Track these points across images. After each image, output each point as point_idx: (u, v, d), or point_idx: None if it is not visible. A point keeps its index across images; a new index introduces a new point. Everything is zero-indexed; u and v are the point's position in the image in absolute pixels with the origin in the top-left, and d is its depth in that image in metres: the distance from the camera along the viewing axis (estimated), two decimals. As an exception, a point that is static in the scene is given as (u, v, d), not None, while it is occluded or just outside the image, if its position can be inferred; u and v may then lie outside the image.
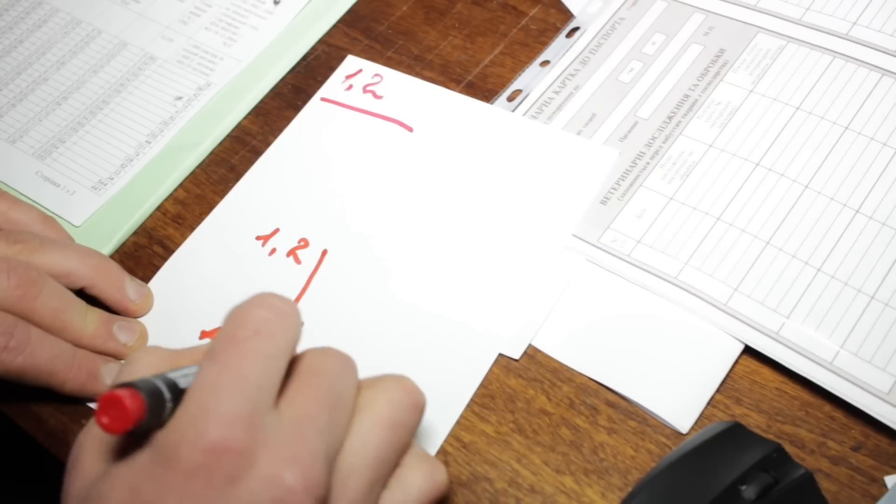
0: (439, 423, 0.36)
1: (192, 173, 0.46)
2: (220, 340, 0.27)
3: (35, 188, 0.46)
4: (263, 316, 0.28)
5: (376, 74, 0.47)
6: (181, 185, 0.46)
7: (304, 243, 0.42)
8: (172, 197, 0.45)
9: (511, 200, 0.41)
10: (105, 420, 0.25)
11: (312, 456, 0.26)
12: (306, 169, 0.44)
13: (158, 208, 0.45)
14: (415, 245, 0.41)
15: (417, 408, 0.31)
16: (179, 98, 0.48)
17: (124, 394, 0.25)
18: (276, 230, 0.43)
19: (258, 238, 0.43)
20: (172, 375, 0.28)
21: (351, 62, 0.48)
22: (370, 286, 0.40)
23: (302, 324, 0.29)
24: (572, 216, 0.40)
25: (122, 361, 0.39)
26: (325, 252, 0.41)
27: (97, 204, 0.45)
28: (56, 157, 0.47)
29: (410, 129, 0.44)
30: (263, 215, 0.43)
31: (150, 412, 0.26)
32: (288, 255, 0.42)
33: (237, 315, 0.28)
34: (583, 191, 0.41)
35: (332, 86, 0.47)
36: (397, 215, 0.42)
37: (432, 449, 0.36)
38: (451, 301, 0.39)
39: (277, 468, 0.26)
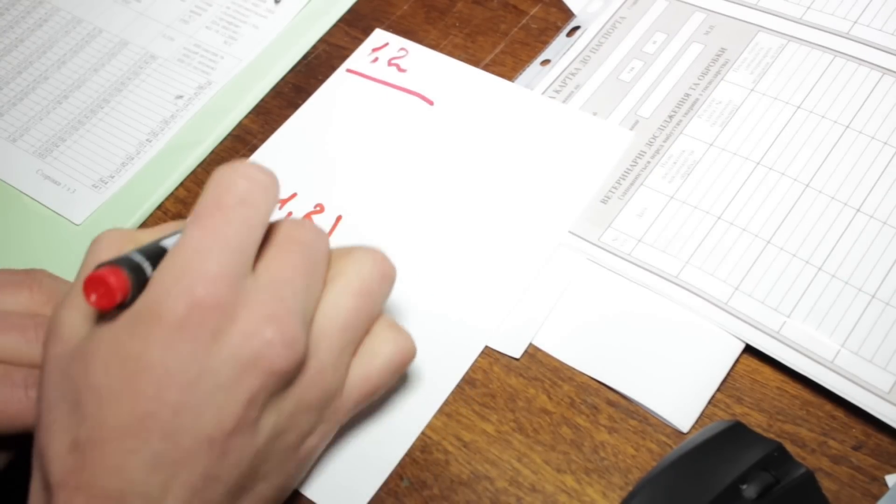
0: (425, 402, 0.36)
1: (193, 172, 0.46)
2: (205, 205, 0.29)
3: (35, 187, 0.46)
4: (247, 186, 0.29)
5: (402, 48, 0.48)
6: (182, 183, 0.46)
7: (319, 208, 0.43)
8: (173, 196, 0.45)
9: (526, 176, 0.42)
10: (94, 298, 0.27)
11: (289, 313, 0.28)
12: (327, 137, 0.45)
13: (159, 207, 0.45)
14: (427, 216, 0.42)
15: (387, 278, 0.33)
16: (180, 97, 0.48)
17: (107, 272, 0.27)
18: (294, 194, 0.43)
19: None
20: (150, 247, 0.29)
21: (378, 35, 0.49)
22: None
23: (279, 193, 0.31)
24: (585, 194, 0.41)
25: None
26: (339, 218, 0.42)
27: (98, 202, 0.45)
28: (57, 156, 0.47)
29: (431, 103, 0.45)
30: (283, 179, 0.44)
31: (134, 287, 0.28)
32: (304, 219, 0.42)
33: (222, 181, 0.29)
34: (597, 169, 0.41)
35: (359, 58, 0.48)
36: (412, 187, 0.43)
37: (416, 430, 0.36)
38: (459, 275, 0.39)
39: (257, 324, 0.28)
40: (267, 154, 0.45)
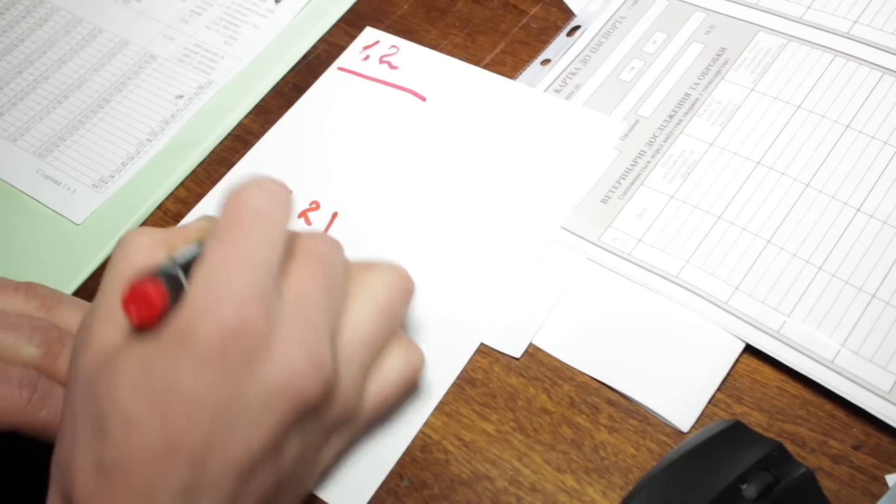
0: (420, 403, 0.37)
1: (194, 172, 0.46)
2: (224, 223, 0.28)
3: (36, 186, 0.46)
4: (262, 199, 0.29)
5: (393, 46, 0.48)
6: (182, 183, 0.46)
7: (315, 206, 0.43)
8: (173, 196, 0.45)
9: (518, 171, 0.42)
10: (134, 314, 0.26)
11: (318, 338, 0.28)
12: (321, 134, 0.45)
13: (159, 207, 0.45)
14: (421, 211, 0.42)
15: (409, 295, 0.33)
16: (180, 96, 0.48)
17: (148, 286, 0.26)
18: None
19: None
20: (181, 258, 0.28)
21: (369, 33, 0.49)
22: (377, 250, 0.41)
23: (294, 206, 0.30)
24: (577, 186, 0.41)
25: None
26: (335, 215, 0.42)
27: (98, 202, 0.45)
28: (57, 156, 0.47)
29: (423, 99, 0.45)
30: (278, 177, 0.44)
31: (171, 301, 0.27)
32: (299, 216, 0.43)
33: (237, 198, 0.29)
34: (589, 159, 0.41)
35: (350, 56, 0.48)
36: (406, 183, 0.43)
37: (414, 428, 0.36)
38: (453, 271, 0.39)
39: (289, 351, 0.27)
40: (261, 153, 0.45)
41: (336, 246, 0.32)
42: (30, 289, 0.35)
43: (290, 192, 0.30)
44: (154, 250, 0.30)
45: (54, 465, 0.28)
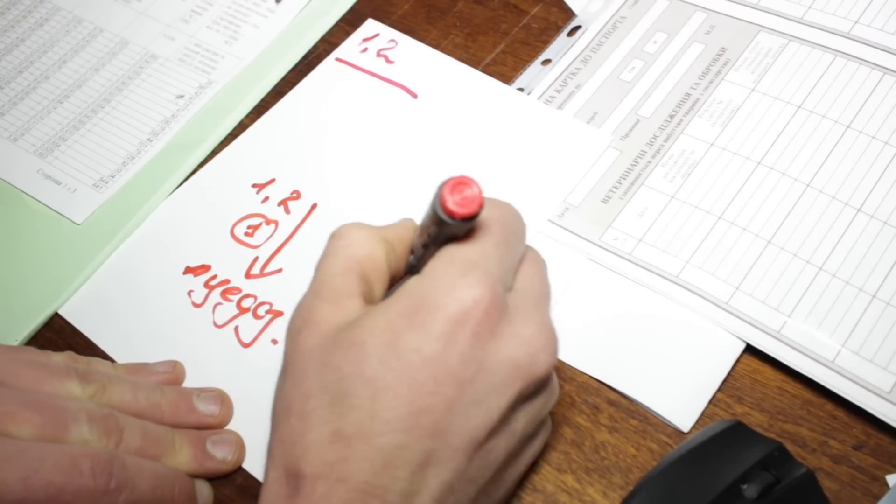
0: None
1: (194, 172, 0.46)
2: (497, 221, 0.29)
3: (36, 186, 0.46)
4: (522, 228, 0.31)
5: (392, 40, 0.48)
6: (182, 183, 0.45)
7: (296, 195, 0.43)
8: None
9: (499, 174, 0.42)
10: (466, 194, 0.26)
11: (547, 317, 0.29)
12: (310, 125, 0.46)
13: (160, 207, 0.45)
14: (402, 208, 0.42)
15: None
16: (181, 96, 0.48)
17: (472, 181, 0.27)
18: (272, 180, 0.44)
19: (254, 185, 0.44)
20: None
21: (370, 26, 0.49)
22: None
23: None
24: (558, 191, 0.41)
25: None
26: (314, 206, 0.43)
27: (98, 202, 0.45)
28: (57, 156, 0.47)
29: (415, 96, 0.45)
30: (263, 164, 0.45)
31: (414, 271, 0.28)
32: (279, 204, 0.43)
33: (510, 214, 0.30)
34: (571, 166, 0.42)
35: (349, 47, 0.48)
36: (389, 179, 0.43)
37: None
38: None
39: (527, 326, 0.28)
40: (249, 139, 0.46)
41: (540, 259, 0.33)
42: (85, 376, 0.35)
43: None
44: (374, 243, 0.30)
45: (277, 444, 0.28)
